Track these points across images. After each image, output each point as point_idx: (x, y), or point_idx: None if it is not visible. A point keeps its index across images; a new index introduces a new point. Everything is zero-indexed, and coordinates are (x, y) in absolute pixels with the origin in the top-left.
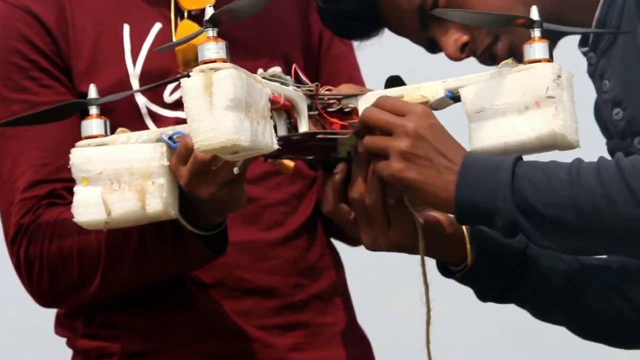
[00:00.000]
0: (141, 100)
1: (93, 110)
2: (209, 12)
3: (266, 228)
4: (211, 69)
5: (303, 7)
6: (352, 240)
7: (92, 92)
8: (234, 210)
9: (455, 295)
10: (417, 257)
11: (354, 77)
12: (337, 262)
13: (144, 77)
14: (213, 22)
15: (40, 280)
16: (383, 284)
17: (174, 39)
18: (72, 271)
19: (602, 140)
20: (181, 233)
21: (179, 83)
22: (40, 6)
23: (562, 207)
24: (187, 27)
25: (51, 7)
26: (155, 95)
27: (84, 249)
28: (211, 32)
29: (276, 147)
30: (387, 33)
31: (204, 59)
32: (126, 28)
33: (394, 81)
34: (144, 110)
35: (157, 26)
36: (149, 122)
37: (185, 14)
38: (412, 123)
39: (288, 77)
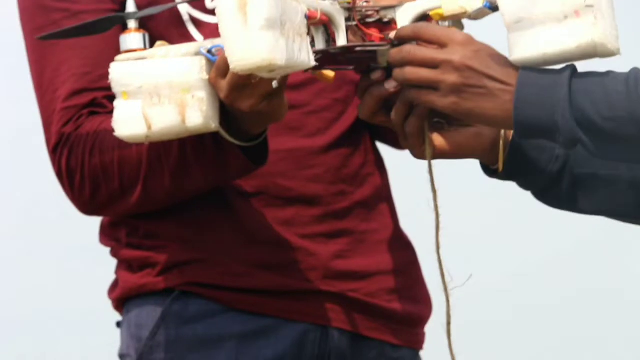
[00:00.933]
0: (183, 7)
1: (131, 24)
2: None
3: (309, 135)
4: None
5: None
6: (399, 144)
7: (130, 5)
8: (274, 122)
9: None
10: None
11: None
12: (380, 167)
13: None
14: None
15: (82, 189)
16: (426, 190)
17: None
18: (113, 181)
19: None
20: (221, 144)
21: None
22: None
23: (621, 120)
24: None
25: None
26: (196, 1)
27: (125, 159)
28: None
29: (313, 64)
30: None
31: None
32: None
33: None
34: (185, 17)
35: None
36: (191, 28)
37: None
38: (456, 55)
39: None
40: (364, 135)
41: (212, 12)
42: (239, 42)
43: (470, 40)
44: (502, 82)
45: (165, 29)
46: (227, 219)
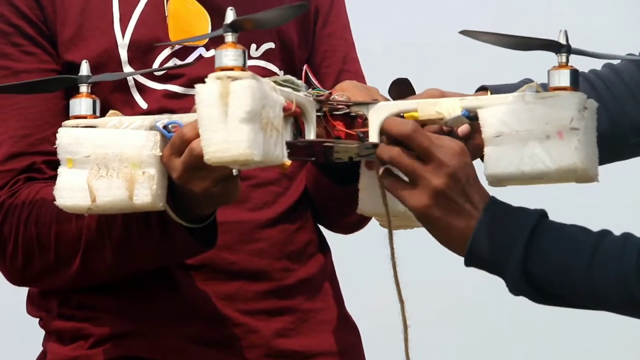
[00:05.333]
0: (129, 72)
1: (83, 88)
2: (230, 15)
3: (255, 208)
4: (229, 77)
5: None
6: (340, 228)
7: (84, 69)
8: (225, 204)
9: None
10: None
11: (349, 56)
12: (325, 247)
13: (132, 48)
14: (234, 27)
15: (14, 259)
16: (369, 271)
17: (166, 8)
18: (49, 253)
19: None
20: (168, 224)
21: (169, 55)
22: None
23: (578, 294)
24: None
25: None
26: (143, 67)
27: (63, 232)
28: (231, 37)
29: (286, 160)
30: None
31: (222, 66)
32: None
33: (401, 84)
34: (130, 82)
35: None
36: (135, 94)
37: None
38: (453, 161)
39: (300, 82)
40: (308, 214)
41: (158, 79)
42: (216, 132)
43: (465, 151)
44: (472, 204)
45: (109, 93)
46: (166, 291)
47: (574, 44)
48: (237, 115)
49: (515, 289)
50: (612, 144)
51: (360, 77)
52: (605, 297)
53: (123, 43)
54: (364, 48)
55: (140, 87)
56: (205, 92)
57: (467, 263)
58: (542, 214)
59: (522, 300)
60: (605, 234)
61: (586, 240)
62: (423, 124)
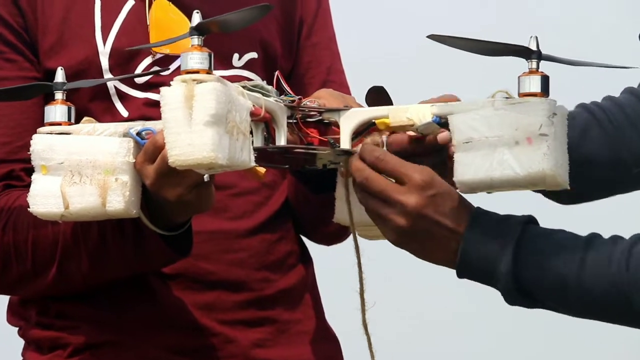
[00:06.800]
0: (104, 79)
1: (58, 95)
2: (196, 18)
3: (235, 218)
4: (194, 80)
5: None
6: (320, 238)
7: (59, 76)
8: (200, 212)
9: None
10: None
11: (334, 67)
12: (306, 257)
13: (113, 56)
14: (199, 30)
15: None
16: (350, 282)
17: (148, 17)
18: (25, 261)
19: None
20: (143, 231)
21: (151, 63)
22: None
23: (571, 302)
24: (161, 6)
25: None
26: (129, 78)
27: (39, 239)
28: (196, 41)
29: (253, 164)
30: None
31: (187, 69)
32: (97, 3)
33: (377, 92)
34: (112, 90)
35: (130, 3)
36: (117, 102)
37: None
38: (411, 200)
39: (270, 87)
40: (288, 224)
41: (140, 87)
42: (181, 135)
43: (428, 183)
44: (449, 230)
45: (89, 101)
46: (143, 300)
47: (573, 45)
48: (201, 118)
49: (510, 302)
50: (615, 175)
51: (344, 89)
52: (595, 301)
53: (104, 51)
54: (359, 58)
55: (122, 95)
56: (170, 95)
57: (460, 277)
58: (527, 221)
59: (505, 308)
60: (593, 238)
61: (575, 246)
62: (394, 130)
